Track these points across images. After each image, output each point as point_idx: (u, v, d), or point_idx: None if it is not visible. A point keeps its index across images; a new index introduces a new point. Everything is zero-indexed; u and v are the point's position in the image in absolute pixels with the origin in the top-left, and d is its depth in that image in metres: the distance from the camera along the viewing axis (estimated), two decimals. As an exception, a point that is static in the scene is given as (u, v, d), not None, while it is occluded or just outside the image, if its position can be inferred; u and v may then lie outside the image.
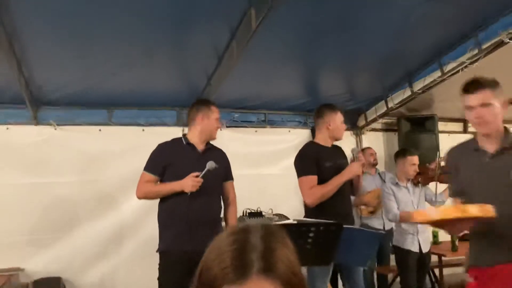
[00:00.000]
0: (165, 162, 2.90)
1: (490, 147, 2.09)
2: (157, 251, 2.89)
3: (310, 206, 3.08)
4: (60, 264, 3.85)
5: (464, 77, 3.78)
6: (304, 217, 3.13)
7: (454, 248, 4.24)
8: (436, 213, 2.04)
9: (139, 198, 2.97)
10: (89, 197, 3.99)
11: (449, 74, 3.84)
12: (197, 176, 2.75)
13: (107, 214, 4.02)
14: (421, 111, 5.11)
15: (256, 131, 4.69)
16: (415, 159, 3.97)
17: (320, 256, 2.01)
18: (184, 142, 2.98)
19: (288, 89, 4.38)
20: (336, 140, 3.32)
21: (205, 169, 2.77)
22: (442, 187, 4.22)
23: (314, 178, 3.05)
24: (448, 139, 5.31)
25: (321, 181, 3.08)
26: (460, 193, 2.18)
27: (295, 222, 2.04)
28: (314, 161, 3.11)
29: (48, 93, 3.81)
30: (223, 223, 3.11)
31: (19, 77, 3.34)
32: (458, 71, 3.74)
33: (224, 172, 3.05)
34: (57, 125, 3.99)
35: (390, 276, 4.75)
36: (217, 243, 0.82)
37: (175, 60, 3.56)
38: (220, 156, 3.04)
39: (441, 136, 5.07)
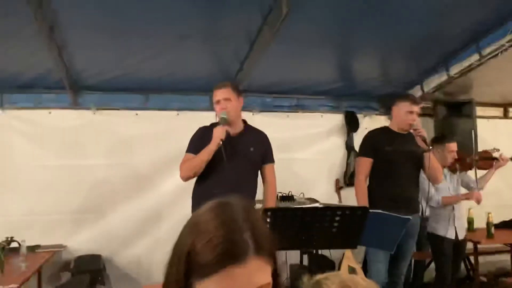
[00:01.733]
0: (202, 144, 2.98)
1: None
2: None
3: (373, 191, 3.36)
4: (100, 242, 4.02)
5: (503, 61, 3.70)
6: (368, 199, 3.29)
7: (489, 235, 4.13)
8: None
9: (184, 178, 2.98)
10: (126, 179, 4.14)
11: (488, 57, 3.71)
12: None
13: (144, 195, 4.16)
14: (458, 96, 4.96)
15: (288, 115, 4.69)
16: (453, 146, 3.86)
17: (345, 240, 2.05)
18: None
19: (320, 73, 4.34)
20: (401, 128, 3.44)
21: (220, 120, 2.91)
22: (481, 173, 4.13)
23: (367, 160, 3.41)
24: (488, 124, 5.17)
25: (382, 163, 3.35)
26: None
27: (321, 206, 2.06)
28: (371, 145, 3.45)
29: (87, 78, 3.95)
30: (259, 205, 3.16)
31: (60, 63, 3.49)
32: (497, 55, 3.61)
33: (260, 154, 3.08)
34: (96, 109, 4.15)
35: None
36: (203, 226, 0.84)
37: (208, 46, 3.61)
38: (256, 139, 3.09)
39: (479, 121, 4.91)
